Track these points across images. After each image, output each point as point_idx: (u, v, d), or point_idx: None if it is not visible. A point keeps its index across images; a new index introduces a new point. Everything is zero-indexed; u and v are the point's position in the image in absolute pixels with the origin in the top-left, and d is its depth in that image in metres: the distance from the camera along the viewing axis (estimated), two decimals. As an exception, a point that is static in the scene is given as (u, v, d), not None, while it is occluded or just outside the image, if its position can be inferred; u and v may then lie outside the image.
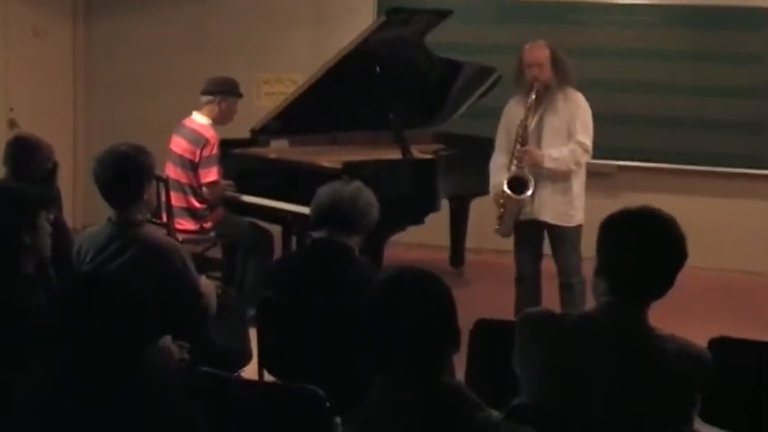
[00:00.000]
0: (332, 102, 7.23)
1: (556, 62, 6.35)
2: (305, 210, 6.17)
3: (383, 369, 2.78)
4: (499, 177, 6.40)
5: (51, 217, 4.06)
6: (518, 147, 6.31)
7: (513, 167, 6.32)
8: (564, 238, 6.48)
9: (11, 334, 3.48)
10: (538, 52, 6.35)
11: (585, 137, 6.37)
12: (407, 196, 6.70)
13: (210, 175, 7.12)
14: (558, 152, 6.32)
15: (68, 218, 5.29)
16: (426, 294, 2.76)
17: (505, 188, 6.30)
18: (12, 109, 9.25)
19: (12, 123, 9.13)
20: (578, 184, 6.49)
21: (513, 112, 6.46)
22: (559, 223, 6.44)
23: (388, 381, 2.76)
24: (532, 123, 6.34)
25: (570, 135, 6.36)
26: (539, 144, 6.36)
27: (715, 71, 8.98)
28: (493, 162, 6.58)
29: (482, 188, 6.89)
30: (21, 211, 3.80)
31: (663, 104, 9.07)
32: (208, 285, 4.89)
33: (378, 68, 6.97)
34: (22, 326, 3.48)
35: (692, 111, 9.01)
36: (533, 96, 6.26)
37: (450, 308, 2.79)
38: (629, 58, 9.09)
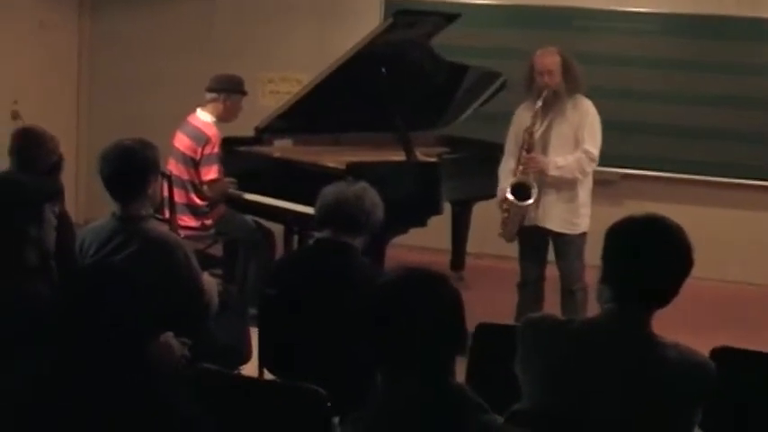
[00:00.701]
0: (337, 102, 7.23)
1: (566, 69, 6.33)
2: (308, 209, 6.17)
3: (386, 368, 2.77)
4: (506, 183, 6.40)
5: (56, 210, 4.06)
6: (524, 153, 6.31)
7: (518, 174, 6.33)
8: (568, 245, 6.49)
9: (14, 324, 3.48)
10: (548, 59, 6.33)
11: (592, 145, 6.36)
12: (411, 198, 6.69)
13: (211, 173, 7.12)
14: (564, 160, 6.32)
15: (70, 212, 5.29)
16: (434, 295, 2.75)
17: (508, 195, 6.30)
18: (16, 101, 9.24)
19: (14, 115, 9.12)
20: (584, 192, 6.50)
21: (523, 117, 6.46)
22: (564, 231, 6.45)
23: (391, 381, 2.75)
24: (540, 130, 6.34)
25: (578, 143, 6.36)
26: (545, 151, 6.36)
27: (719, 81, 8.96)
28: (501, 167, 6.58)
29: (485, 192, 6.89)
30: (27, 203, 3.80)
31: (666, 113, 9.06)
32: (210, 282, 4.88)
33: (384, 70, 6.95)
34: (24, 316, 3.48)
35: (696, 120, 9.00)
36: (540, 103, 6.27)
37: (457, 309, 2.78)
38: (633, 66, 9.08)
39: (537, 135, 6.34)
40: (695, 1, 9.01)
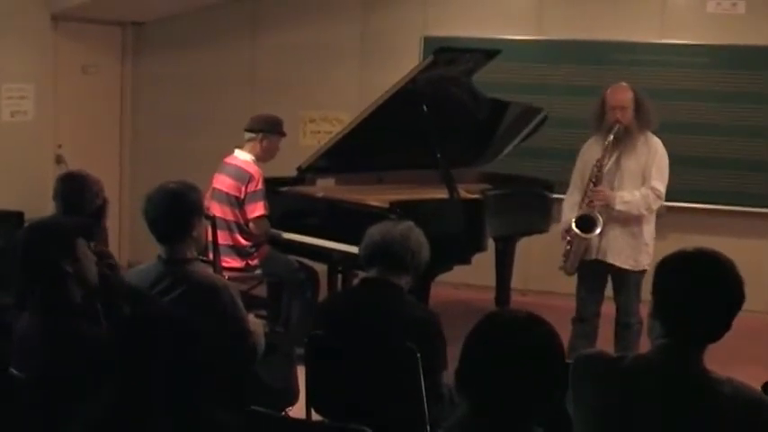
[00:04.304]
0: (379, 141, 7.25)
1: (638, 105, 6.37)
2: (351, 249, 6.18)
3: (474, 413, 2.66)
4: (570, 215, 6.42)
5: (93, 245, 4.05)
6: (591, 186, 6.31)
7: (584, 206, 6.32)
8: (628, 280, 6.48)
9: (63, 363, 3.49)
10: (622, 95, 6.37)
11: (660, 183, 6.38)
12: (455, 236, 6.66)
13: (257, 209, 7.14)
14: (630, 195, 6.34)
15: (114, 254, 5.29)
16: (533, 340, 2.66)
17: (573, 227, 6.29)
18: (60, 146, 9.32)
19: (59, 159, 9.20)
20: (648, 229, 6.51)
21: (591, 151, 6.49)
22: (626, 266, 6.44)
23: (475, 425, 2.66)
24: (608, 164, 6.35)
25: (645, 179, 6.37)
26: (613, 186, 6.37)
27: (763, 112, 8.89)
28: (566, 199, 6.62)
29: (528, 228, 6.86)
30: (57, 241, 3.80)
31: (711, 145, 9.01)
32: (256, 324, 4.86)
33: (425, 107, 6.95)
34: (72, 355, 3.49)
35: (742, 152, 8.94)
36: (611, 138, 6.28)
37: (555, 355, 2.68)
38: (676, 99, 9.02)
39: (605, 169, 6.34)
40: (736, 33, 8.96)
